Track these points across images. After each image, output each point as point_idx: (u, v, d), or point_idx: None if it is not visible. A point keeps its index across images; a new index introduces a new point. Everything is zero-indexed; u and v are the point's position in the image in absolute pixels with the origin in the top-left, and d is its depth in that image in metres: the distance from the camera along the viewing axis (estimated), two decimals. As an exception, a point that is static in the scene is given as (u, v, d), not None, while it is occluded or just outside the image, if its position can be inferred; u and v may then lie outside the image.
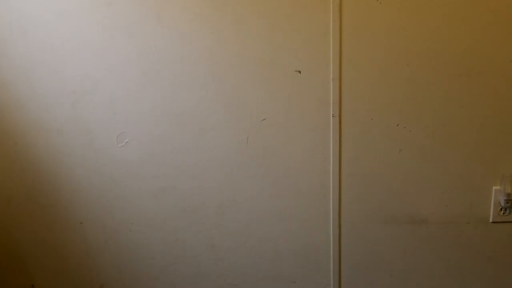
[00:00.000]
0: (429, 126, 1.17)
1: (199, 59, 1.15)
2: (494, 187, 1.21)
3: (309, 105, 1.17)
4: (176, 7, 1.12)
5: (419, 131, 1.18)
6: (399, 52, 1.12)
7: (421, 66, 1.13)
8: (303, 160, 1.21)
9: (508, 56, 1.11)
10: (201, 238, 1.30)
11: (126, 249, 1.32)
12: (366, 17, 1.10)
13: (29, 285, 1.37)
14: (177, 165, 1.23)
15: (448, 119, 1.17)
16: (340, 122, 1.18)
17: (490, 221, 1.24)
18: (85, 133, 1.22)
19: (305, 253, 1.30)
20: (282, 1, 1.10)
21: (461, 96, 1.15)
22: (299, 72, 1.15)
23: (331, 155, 1.20)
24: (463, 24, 1.10)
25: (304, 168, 1.22)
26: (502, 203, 1.21)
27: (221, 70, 1.15)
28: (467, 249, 1.28)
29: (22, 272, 1.36)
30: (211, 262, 1.33)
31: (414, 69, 1.13)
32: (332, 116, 1.17)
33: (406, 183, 1.22)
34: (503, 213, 1.23)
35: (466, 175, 1.21)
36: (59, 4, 1.13)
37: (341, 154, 1.20)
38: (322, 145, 1.20)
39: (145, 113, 1.19)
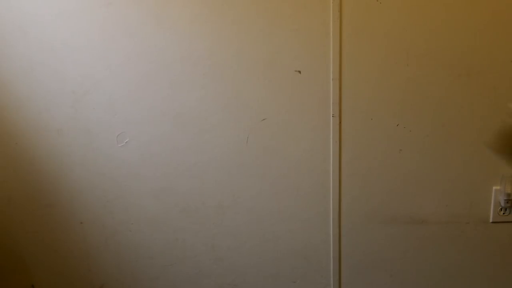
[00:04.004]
0: (429, 126, 1.17)
1: (199, 59, 1.14)
2: (494, 187, 1.21)
3: (309, 105, 1.17)
4: (176, 7, 1.11)
5: (419, 131, 1.18)
6: (399, 52, 1.12)
7: (421, 66, 1.13)
8: (303, 160, 1.21)
9: (508, 56, 1.11)
10: (201, 238, 1.30)
11: (126, 249, 1.32)
12: (366, 17, 1.10)
13: (29, 285, 1.37)
14: (177, 165, 1.23)
15: (448, 119, 1.17)
16: (340, 122, 1.18)
17: (490, 221, 1.24)
18: (85, 133, 1.22)
19: (305, 253, 1.30)
20: (282, 1, 1.10)
21: (461, 96, 1.15)
22: (299, 72, 1.15)
23: (331, 155, 1.20)
24: (463, 24, 1.10)
25: (304, 168, 1.22)
26: (502, 203, 1.21)
27: (221, 70, 1.15)
28: (467, 249, 1.28)
29: (22, 272, 1.36)
30: (211, 262, 1.33)
31: (414, 69, 1.13)
32: (332, 116, 1.17)
33: (406, 183, 1.22)
34: (503, 213, 1.23)
35: (466, 175, 1.21)
36: (59, 4, 1.13)
37: (341, 154, 1.20)
38: (322, 145, 1.20)
39: (145, 113, 1.19)
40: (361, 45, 1.12)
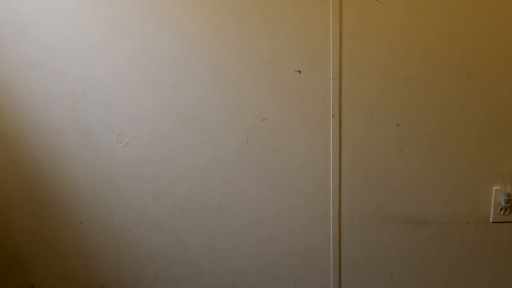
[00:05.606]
0: (429, 126, 1.17)
1: (200, 59, 1.14)
2: (494, 187, 1.21)
3: (309, 105, 1.17)
4: (176, 7, 1.11)
5: (419, 131, 1.18)
6: (399, 52, 1.12)
7: (421, 66, 1.13)
8: (303, 160, 1.21)
9: (508, 56, 1.12)
10: (201, 238, 1.30)
11: (126, 249, 1.32)
12: (366, 17, 1.10)
13: (29, 285, 1.37)
14: (177, 165, 1.23)
15: (448, 119, 1.17)
16: (340, 122, 1.18)
17: (490, 221, 1.24)
18: (85, 133, 1.22)
19: (305, 253, 1.30)
20: (282, 1, 1.10)
21: (461, 96, 1.15)
22: (299, 72, 1.15)
23: (331, 155, 1.20)
24: (463, 24, 1.10)
25: (304, 168, 1.22)
26: (502, 203, 1.21)
27: (221, 70, 1.15)
28: (467, 249, 1.28)
29: (22, 272, 1.36)
30: (211, 262, 1.33)
31: (414, 69, 1.13)
32: (332, 116, 1.17)
33: (406, 183, 1.22)
34: (503, 213, 1.23)
35: (466, 175, 1.21)
36: (59, 4, 1.13)
37: (341, 154, 1.20)
38: (322, 145, 1.20)
39: (145, 113, 1.19)
40: (361, 45, 1.12)
